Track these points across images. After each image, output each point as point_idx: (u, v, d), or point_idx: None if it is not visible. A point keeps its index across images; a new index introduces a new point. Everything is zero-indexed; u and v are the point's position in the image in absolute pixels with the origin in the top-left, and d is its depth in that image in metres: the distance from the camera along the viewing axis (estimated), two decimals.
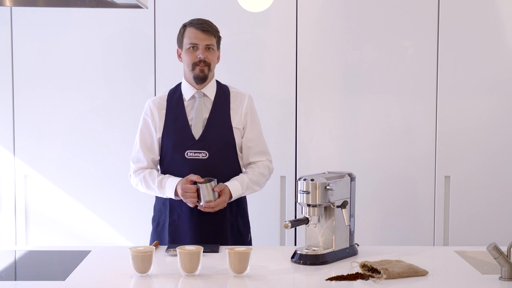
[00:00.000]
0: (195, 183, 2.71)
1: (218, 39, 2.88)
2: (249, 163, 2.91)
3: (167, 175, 2.83)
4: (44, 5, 3.11)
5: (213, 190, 2.70)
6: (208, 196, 2.69)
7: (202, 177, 2.73)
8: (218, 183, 2.74)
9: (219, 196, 2.72)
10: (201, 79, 2.84)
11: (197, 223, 2.81)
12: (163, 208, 2.90)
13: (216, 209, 2.72)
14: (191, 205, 2.73)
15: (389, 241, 3.81)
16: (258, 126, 2.94)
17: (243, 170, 2.93)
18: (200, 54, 2.81)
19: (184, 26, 2.86)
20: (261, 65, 3.81)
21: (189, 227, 2.82)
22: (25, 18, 3.79)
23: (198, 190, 2.70)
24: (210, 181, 2.70)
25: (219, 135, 2.83)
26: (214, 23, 2.88)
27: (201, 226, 2.81)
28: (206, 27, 2.81)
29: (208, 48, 2.82)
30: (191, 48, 2.81)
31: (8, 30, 3.80)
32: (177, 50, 2.89)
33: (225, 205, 2.75)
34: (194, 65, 2.82)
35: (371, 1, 3.78)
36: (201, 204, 2.70)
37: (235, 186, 2.78)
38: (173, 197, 2.77)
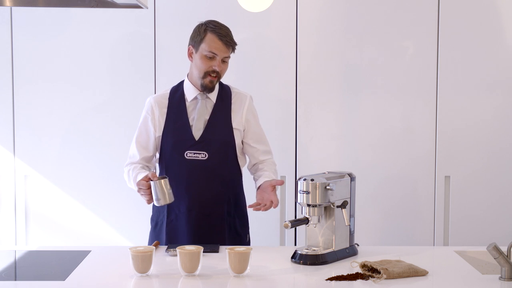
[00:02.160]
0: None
1: (233, 51, 2.84)
2: (258, 162, 2.91)
3: (143, 170, 2.80)
4: (44, 5, 3.11)
5: (163, 188, 2.59)
6: (159, 194, 2.60)
7: (202, 178, 2.73)
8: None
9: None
10: (209, 89, 2.81)
11: (195, 224, 2.81)
12: (161, 208, 2.89)
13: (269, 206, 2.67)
14: (146, 201, 2.68)
15: (389, 241, 3.81)
16: (259, 127, 2.95)
17: (242, 171, 2.93)
18: (215, 66, 2.76)
19: (206, 29, 2.76)
20: (261, 65, 3.81)
21: (186, 227, 2.81)
22: (25, 18, 3.79)
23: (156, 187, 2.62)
24: (162, 178, 2.62)
25: (219, 136, 2.82)
26: None
27: (199, 227, 2.81)
28: (229, 40, 2.75)
29: (224, 60, 2.79)
30: (209, 57, 2.76)
31: (8, 30, 3.80)
32: (189, 48, 2.82)
33: (276, 200, 2.69)
34: (206, 74, 2.78)
35: (371, 1, 3.78)
36: (154, 203, 2.65)
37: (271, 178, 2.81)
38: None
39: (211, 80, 2.78)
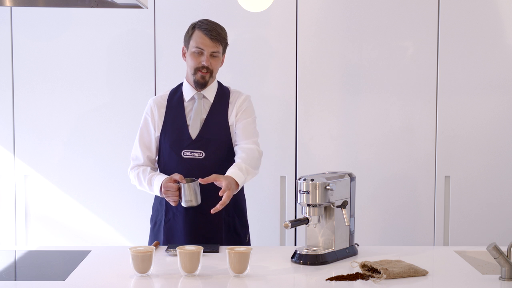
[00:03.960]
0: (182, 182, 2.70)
1: (225, 45, 2.86)
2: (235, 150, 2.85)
3: (157, 172, 2.84)
4: (44, 5, 3.11)
5: (194, 190, 2.66)
6: (189, 196, 2.66)
7: (199, 177, 2.72)
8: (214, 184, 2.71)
9: (221, 195, 2.68)
10: (201, 85, 2.83)
11: (192, 223, 2.81)
12: (160, 207, 2.90)
13: (224, 204, 2.62)
14: (172, 203, 2.72)
15: (389, 241, 3.81)
16: (249, 116, 2.87)
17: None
18: (204, 61, 2.79)
19: (194, 27, 2.83)
20: (261, 65, 3.81)
21: (183, 226, 2.82)
22: (25, 18, 3.79)
23: (180, 189, 2.69)
24: (192, 181, 2.68)
25: (216, 136, 2.83)
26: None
27: (196, 226, 2.81)
28: (215, 35, 2.78)
29: (213, 55, 2.81)
30: (196, 52, 2.80)
31: (8, 30, 3.80)
32: (183, 48, 2.88)
33: (230, 197, 2.64)
34: (197, 70, 2.81)
35: (371, 1, 3.78)
36: (182, 204, 2.69)
37: (236, 174, 2.69)
38: (159, 194, 2.78)
39: (202, 76, 2.81)
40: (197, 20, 2.86)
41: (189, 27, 2.85)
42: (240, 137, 2.86)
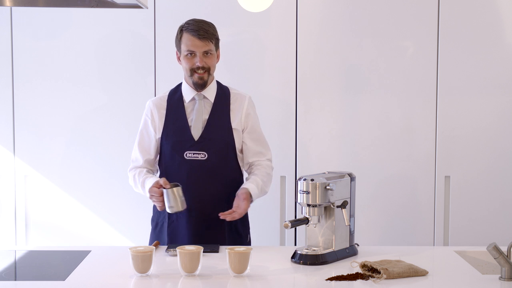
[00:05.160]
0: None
1: (216, 41, 2.85)
2: (250, 164, 2.90)
3: (150, 175, 2.85)
4: (44, 5, 3.11)
5: (177, 196, 2.62)
6: (172, 202, 2.63)
7: (202, 178, 2.73)
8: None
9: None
10: (200, 86, 2.83)
11: (195, 224, 2.81)
12: None
13: (241, 213, 2.72)
14: (158, 208, 2.71)
15: (389, 241, 3.81)
16: (258, 127, 2.94)
17: (243, 171, 2.93)
18: (198, 62, 2.78)
19: (181, 30, 2.82)
20: (261, 65, 3.81)
21: (187, 227, 2.82)
22: (25, 18, 3.79)
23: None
24: (175, 186, 2.65)
25: (219, 136, 2.83)
26: (213, 23, 2.86)
27: (199, 227, 2.81)
28: (202, 34, 2.76)
29: (206, 53, 2.80)
30: (189, 54, 2.80)
31: (8, 30, 3.80)
32: (176, 52, 2.87)
33: (246, 209, 2.75)
34: (193, 71, 2.81)
35: (371, 1, 3.78)
36: (166, 209, 2.67)
37: (253, 189, 2.77)
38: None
39: (199, 77, 2.81)
40: (183, 22, 2.84)
41: (177, 30, 2.84)
42: (256, 152, 2.89)
